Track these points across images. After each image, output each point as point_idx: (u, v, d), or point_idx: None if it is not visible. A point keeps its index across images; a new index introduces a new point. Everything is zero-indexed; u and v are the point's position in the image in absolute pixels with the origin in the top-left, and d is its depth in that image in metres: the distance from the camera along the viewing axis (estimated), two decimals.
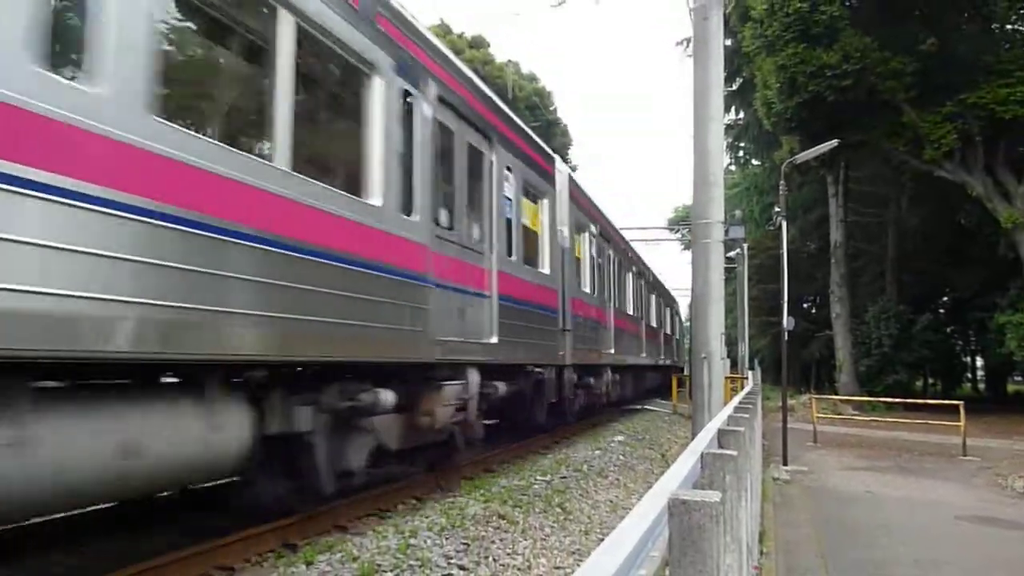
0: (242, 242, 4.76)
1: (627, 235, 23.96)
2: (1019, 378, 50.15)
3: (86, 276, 3.74)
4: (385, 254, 6.48)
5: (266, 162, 5.13)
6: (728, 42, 24.80)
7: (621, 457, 12.37)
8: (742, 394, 10.56)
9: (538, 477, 9.55)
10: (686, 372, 27.96)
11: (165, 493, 6.52)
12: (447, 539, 6.23)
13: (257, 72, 5.71)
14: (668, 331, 32.19)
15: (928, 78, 23.11)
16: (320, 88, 6.60)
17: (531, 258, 11.05)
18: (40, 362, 3.73)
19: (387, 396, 6.52)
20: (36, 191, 3.49)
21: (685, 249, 51.54)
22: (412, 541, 6.05)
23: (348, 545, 5.84)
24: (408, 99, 7.10)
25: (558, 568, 6.13)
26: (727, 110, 34.77)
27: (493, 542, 6.38)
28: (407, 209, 6.97)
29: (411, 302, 6.86)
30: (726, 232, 12.76)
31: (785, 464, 13.13)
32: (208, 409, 4.93)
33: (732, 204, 36.58)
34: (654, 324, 26.67)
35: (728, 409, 6.58)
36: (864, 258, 37.37)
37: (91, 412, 4.24)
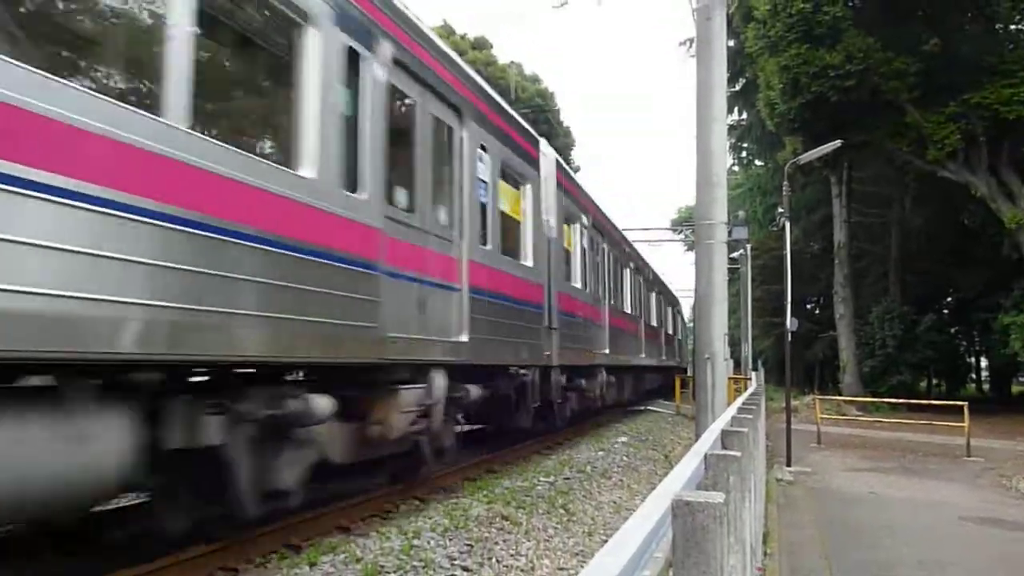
0: (112, 211, 3.82)
1: (630, 236, 23.76)
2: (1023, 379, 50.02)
3: None
4: (320, 235, 5.53)
5: (148, 114, 4.13)
6: (731, 43, 24.84)
7: (624, 458, 12.37)
8: (746, 395, 10.54)
9: (541, 478, 9.55)
10: (689, 373, 27.95)
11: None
12: (450, 540, 6.23)
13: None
14: (670, 331, 31.57)
15: (931, 78, 23.08)
16: (229, 31, 5.43)
17: (511, 248, 10.14)
18: None
19: (321, 403, 5.63)
20: None
21: (688, 250, 51.49)
22: (415, 542, 6.06)
23: (351, 546, 5.85)
24: (355, 59, 6.15)
25: (562, 569, 6.13)
26: (730, 111, 34.68)
27: (496, 543, 6.38)
28: (351, 185, 6.05)
29: (355, 293, 5.95)
30: (729, 233, 12.72)
31: (789, 465, 13.11)
32: (68, 418, 3.98)
33: (735, 205, 36.58)
34: (654, 323, 25.84)
35: (732, 410, 6.58)
36: (868, 259, 37.32)
37: None
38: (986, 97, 21.93)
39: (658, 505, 2.04)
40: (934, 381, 42.18)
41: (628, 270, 20.31)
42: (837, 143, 16.49)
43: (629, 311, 20.12)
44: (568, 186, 13.38)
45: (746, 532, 3.85)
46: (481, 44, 41.68)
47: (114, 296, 3.85)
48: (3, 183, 3.34)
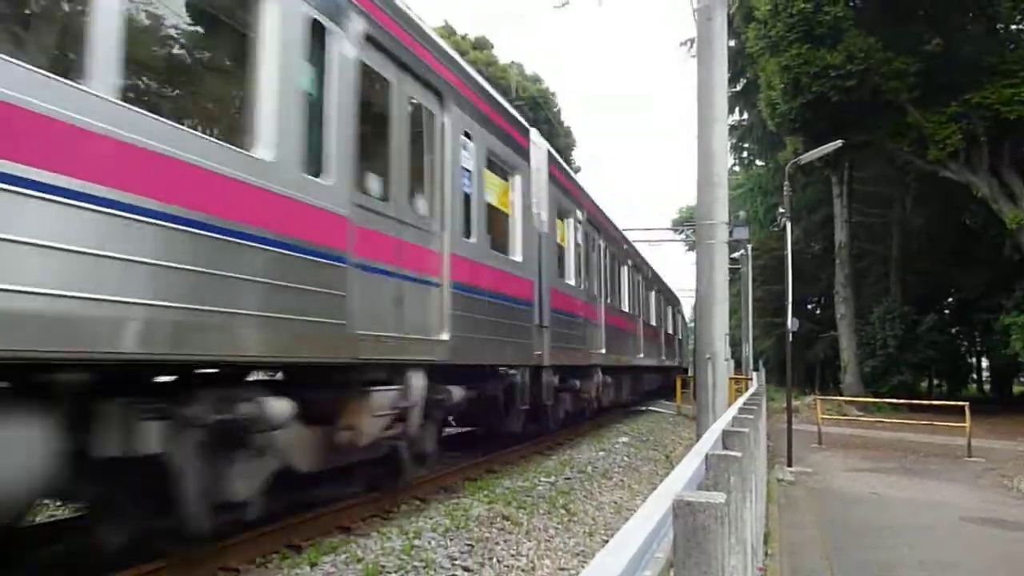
0: (23, 190, 3.41)
1: (631, 236, 23.64)
2: None
3: None
4: (276, 222, 5.03)
5: (69, 82, 3.72)
6: (732, 43, 24.82)
7: (625, 458, 12.37)
8: (746, 395, 10.54)
9: (542, 478, 9.55)
10: (690, 373, 27.91)
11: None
12: (451, 540, 6.23)
13: None
14: (670, 330, 31.13)
15: (932, 78, 23.07)
16: None
17: (499, 242, 9.68)
18: None
19: (278, 406, 5.17)
20: None
21: (689, 250, 51.54)
22: (416, 542, 6.06)
23: (352, 546, 5.85)
24: (320, 33, 5.73)
25: (563, 569, 6.13)
26: (731, 111, 34.71)
27: (497, 543, 6.38)
28: (314, 169, 5.58)
29: (318, 286, 5.46)
30: (730, 233, 12.67)
31: (790, 465, 13.10)
32: None
33: (736, 205, 36.60)
34: (653, 322, 25.32)
35: (733, 410, 6.57)
36: (869, 259, 37.31)
37: None
38: (987, 97, 21.92)
39: (659, 505, 2.04)
40: (935, 381, 42.16)
41: (626, 267, 19.84)
42: (838, 143, 16.49)
43: (627, 310, 19.69)
44: (561, 179, 12.92)
45: (747, 532, 3.85)
46: (482, 44, 41.71)
47: (20, 285, 3.39)
48: None
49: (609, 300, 16.79)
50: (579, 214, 14.10)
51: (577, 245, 13.86)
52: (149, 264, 4.06)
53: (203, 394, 4.81)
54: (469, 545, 6.19)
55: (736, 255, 31.17)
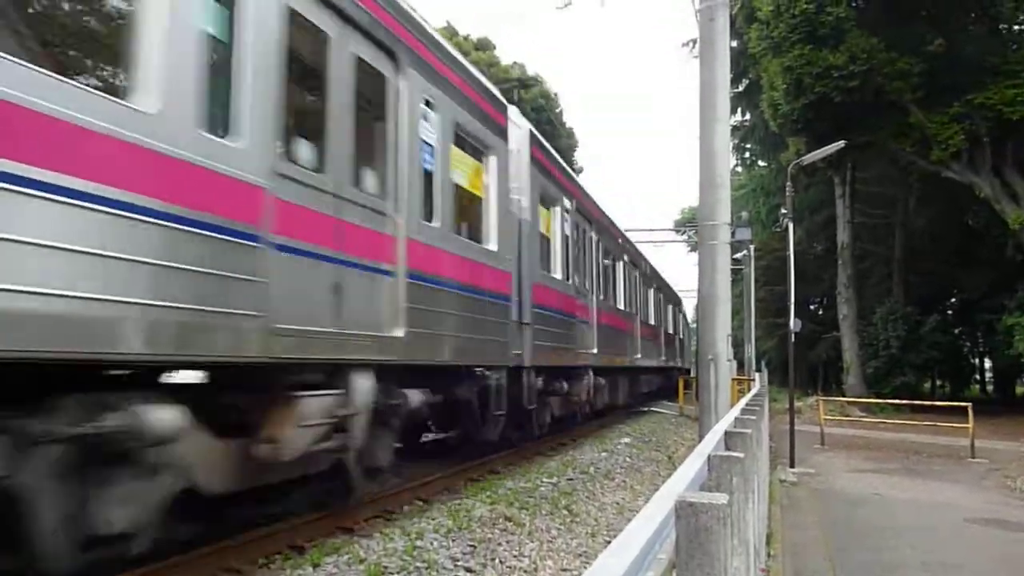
0: None
1: (633, 237, 23.47)
2: None
3: None
4: (159, 189, 4.09)
5: None
6: (734, 43, 24.83)
7: (628, 459, 12.36)
8: (749, 396, 10.53)
9: (544, 479, 9.55)
10: (692, 374, 27.87)
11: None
12: (453, 541, 6.23)
13: None
14: (670, 330, 30.22)
15: (935, 79, 23.05)
16: None
17: (469, 228, 8.89)
18: None
19: (163, 416, 4.28)
20: None
21: (692, 251, 51.52)
22: (419, 543, 6.06)
23: (355, 547, 5.86)
24: None
25: (565, 570, 6.13)
26: (733, 111, 34.68)
27: (499, 544, 6.39)
28: (218, 128, 4.69)
29: (222, 270, 4.55)
30: (733, 234, 12.57)
31: (792, 466, 13.09)
32: None
33: (739, 206, 36.56)
34: (652, 322, 24.31)
35: (735, 411, 6.57)
36: (871, 259, 37.28)
37: None
38: (990, 98, 21.89)
39: (661, 506, 2.04)
40: (938, 382, 42.13)
41: (622, 263, 18.87)
42: (840, 144, 16.46)
43: (623, 308, 18.72)
44: (546, 164, 11.93)
45: (750, 533, 3.85)
46: (484, 45, 41.74)
47: None
48: None
49: (603, 297, 15.96)
50: (567, 203, 13.14)
51: (565, 237, 12.92)
52: (22, 243, 3.38)
53: (60, 402, 3.91)
54: (471, 546, 6.19)
55: (738, 256, 31.17)
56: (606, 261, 16.82)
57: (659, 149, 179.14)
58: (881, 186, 34.46)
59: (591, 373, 14.29)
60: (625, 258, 19.40)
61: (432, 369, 7.76)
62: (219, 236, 4.55)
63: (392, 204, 6.72)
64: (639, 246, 24.28)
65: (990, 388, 50.45)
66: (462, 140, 8.52)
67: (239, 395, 5.29)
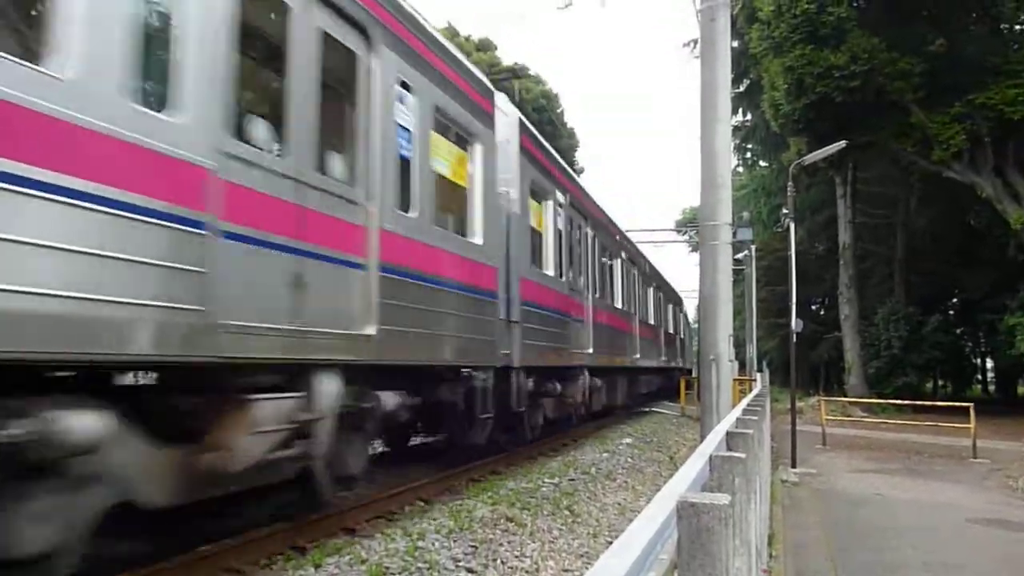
0: None
1: (634, 237, 23.39)
2: None
3: None
4: (79, 164, 3.68)
5: None
6: (735, 44, 24.79)
7: (629, 459, 12.37)
8: (750, 396, 10.54)
9: (546, 479, 9.55)
10: (694, 374, 27.86)
11: None
12: (455, 541, 6.24)
13: None
14: (670, 329, 29.52)
15: (936, 79, 23.04)
16: None
17: (451, 220, 8.51)
18: None
19: (80, 423, 3.80)
20: None
21: (693, 251, 51.50)
22: (420, 544, 6.06)
23: (356, 548, 5.86)
24: None
25: (566, 571, 6.13)
26: (734, 112, 34.67)
27: (501, 545, 6.39)
28: (153, 99, 4.26)
29: (156, 258, 4.09)
30: (734, 234, 12.44)
31: (794, 466, 13.08)
32: None
33: (740, 206, 36.60)
34: (651, 321, 23.74)
35: (736, 411, 6.57)
36: (873, 259, 37.26)
37: None
38: (991, 97, 21.88)
39: (663, 507, 2.04)
40: (940, 382, 42.13)
41: (619, 261, 18.24)
42: (842, 144, 16.46)
43: (620, 306, 18.13)
44: (537, 155, 11.37)
45: (751, 534, 3.84)
46: (485, 46, 41.73)
47: None
48: None
49: (599, 295, 15.44)
50: (560, 197, 12.53)
51: (558, 232, 12.37)
52: None
53: None
54: (473, 546, 6.19)
55: (740, 256, 31.19)
56: (602, 258, 16.34)
57: (659, 149, 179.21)
58: (882, 186, 34.44)
59: (586, 374, 13.74)
60: (623, 255, 18.86)
61: (410, 370, 7.31)
62: (151, 220, 4.07)
63: (363, 192, 6.24)
64: (640, 246, 24.16)
65: (992, 388, 50.42)
66: (443, 126, 8.04)
67: (183, 399, 4.79)
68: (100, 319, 3.78)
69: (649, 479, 10.87)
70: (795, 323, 14.62)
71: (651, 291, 24.13)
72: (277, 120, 5.38)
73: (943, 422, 18.13)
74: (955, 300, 38.31)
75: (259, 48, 5.47)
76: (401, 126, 6.89)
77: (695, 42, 28.78)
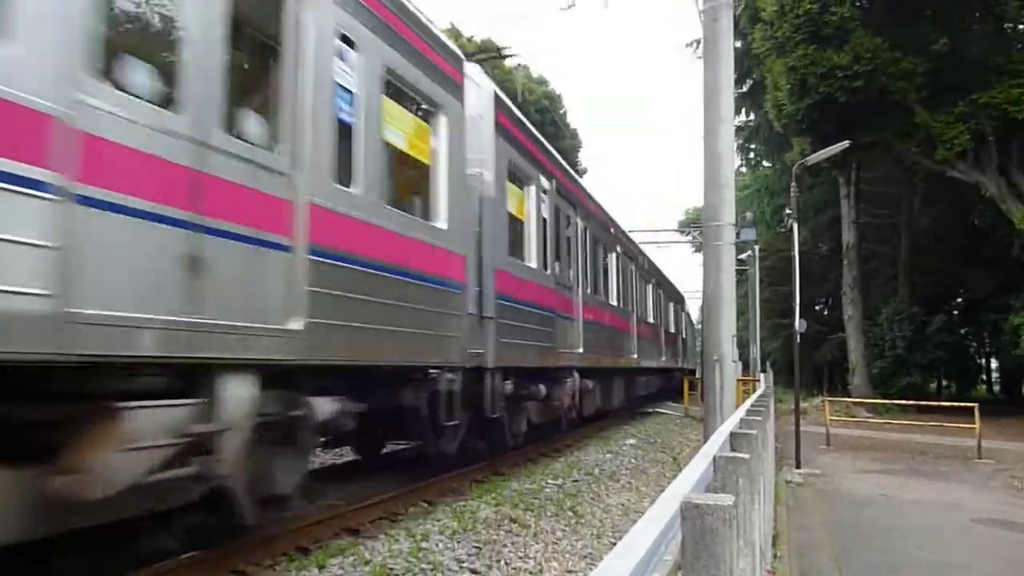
0: None
1: (636, 237, 23.18)
2: None
3: None
4: None
5: None
6: (738, 44, 24.77)
7: (633, 460, 12.36)
8: (754, 396, 10.52)
9: (549, 480, 9.55)
10: (697, 375, 27.79)
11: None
12: (458, 542, 6.24)
13: None
14: (671, 328, 28.54)
15: (940, 78, 23.00)
16: None
17: (408, 200, 7.51)
18: None
19: None
20: None
21: (696, 251, 51.47)
22: (424, 545, 6.06)
23: (360, 549, 5.87)
24: None
25: (570, 572, 6.12)
26: (737, 112, 34.68)
27: (505, 545, 6.39)
28: None
29: None
30: (737, 234, 12.37)
31: (798, 467, 13.05)
32: None
33: (743, 206, 36.51)
34: (651, 319, 22.82)
35: (740, 412, 6.56)
36: (876, 259, 37.19)
37: None
38: (995, 97, 21.84)
39: (667, 508, 2.04)
40: (944, 382, 42.02)
41: (614, 255, 17.22)
42: (845, 144, 16.43)
43: (615, 303, 17.11)
44: (517, 134, 10.28)
45: (755, 534, 3.84)
46: (488, 47, 41.74)
47: None
48: None
49: (591, 291, 14.48)
50: (545, 183, 11.48)
51: (542, 220, 11.31)
52: None
53: None
54: (476, 547, 6.19)
55: (743, 256, 31.11)
56: (595, 251, 15.26)
57: (661, 150, 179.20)
58: (886, 186, 34.38)
59: (576, 375, 12.74)
60: (618, 249, 17.79)
61: (357, 371, 6.38)
62: None
63: (287, 160, 5.29)
64: (643, 247, 23.90)
65: (996, 388, 50.29)
66: (399, 92, 7.06)
67: (28, 408, 3.77)
68: None
69: (653, 480, 10.86)
70: (799, 323, 14.59)
71: (650, 288, 23.27)
72: (167, 67, 4.38)
73: (947, 422, 18.08)
74: (959, 300, 38.24)
75: None
76: (342, 86, 6.01)
77: (698, 42, 28.82)
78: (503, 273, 9.41)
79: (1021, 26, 26.90)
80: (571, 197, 13.32)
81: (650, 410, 24.34)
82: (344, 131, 6.02)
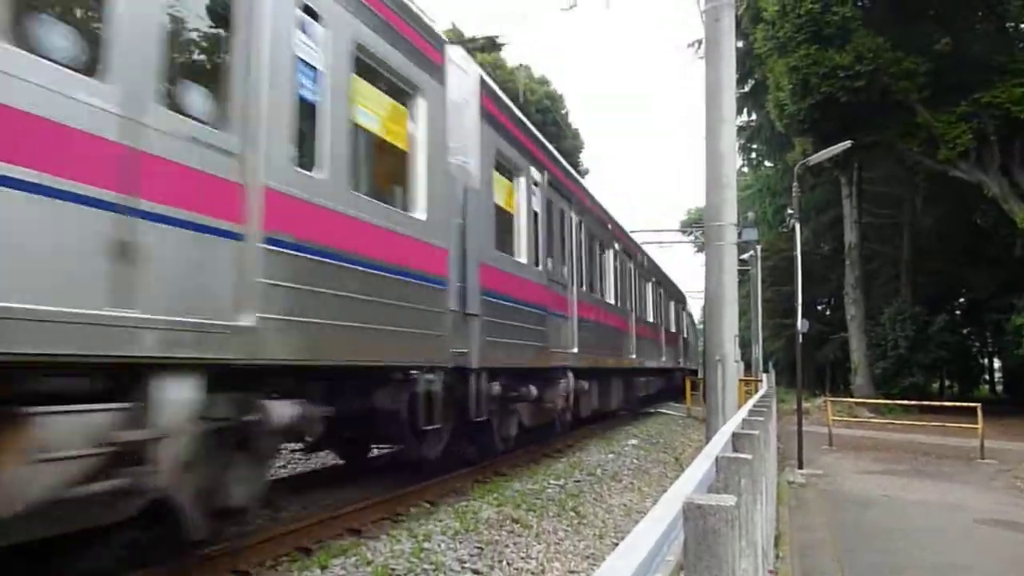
0: None
1: (638, 238, 23.12)
2: None
3: None
4: None
5: None
6: (740, 44, 24.75)
7: (635, 461, 12.35)
8: (756, 397, 10.51)
9: (551, 481, 9.54)
10: (699, 375, 27.77)
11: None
12: (461, 543, 6.24)
13: None
14: (672, 328, 27.97)
15: (942, 78, 23.00)
16: None
17: (381, 188, 6.99)
18: None
19: None
20: None
21: (698, 251, 51.46)
22: (426, 545, 6.06)
23: (362, 549, 5.87)
24: None
25: (572, 572, 6.12)
26: (739, 112, 34.69)
27: (507, 546, 6.39)
28: None
29: None
30: (739, 234, 12.36)
31: (800, 467, 13.05)
32: None
33: (745, 206, 36.47)
34: (651, 318, 22.35)
35: (742, 412, 6.55)
36: (879, 259, 37.17)
37: None
38: (997, 96, 21.84)
39: (669, 508, 2.04)
40: (947, 382, 41.98)
41: (612, 252, 16.67)
42: (847, 144, 16.42)
43: (613, 302, 16.56)
44: (505, 122, 9.74)
45: (758, 535, 3.83)
46: (489, 47, 41.73)
47: None
48: None
49: (586, 288, 13.98)
50: (536, 175, 10.93)
51: (533, 213, 10.77)
52: None
53: None
54: (479, 548, 6.19)
55: (745, 256, 31.05)
56: (591, 248, 14.75)
57: (662, 150, 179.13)
58: (888, 186, 34.37)
59: (571, 376, 12.32)
60: (616, 246, 17.13)
61: (325, 372, 5.97)
62: None
63: (238, 139, 4.78)
64: (645, 247, 23.79)
65: (999, 388, 50.23)
66: (372, 71, 6.56)
67: None
68: None
69: (655, 480, 10.86)
70: (801, 323, 14.58)
71: (650, 287, 22.75)
72: (91, 29, 3.96)
73: (950, 423, 18.06)
74: (962, 300, 38.22)
75: None
76: (304, 61, 5.53)
77: (699, 43, 28.81)
78: (489, 268, 8.91)
79: (1023, 25, 26.88)
80: (565, 191, 12.79)
81: (652, 411, 24.34)
82: (307, 110, 5.55)
